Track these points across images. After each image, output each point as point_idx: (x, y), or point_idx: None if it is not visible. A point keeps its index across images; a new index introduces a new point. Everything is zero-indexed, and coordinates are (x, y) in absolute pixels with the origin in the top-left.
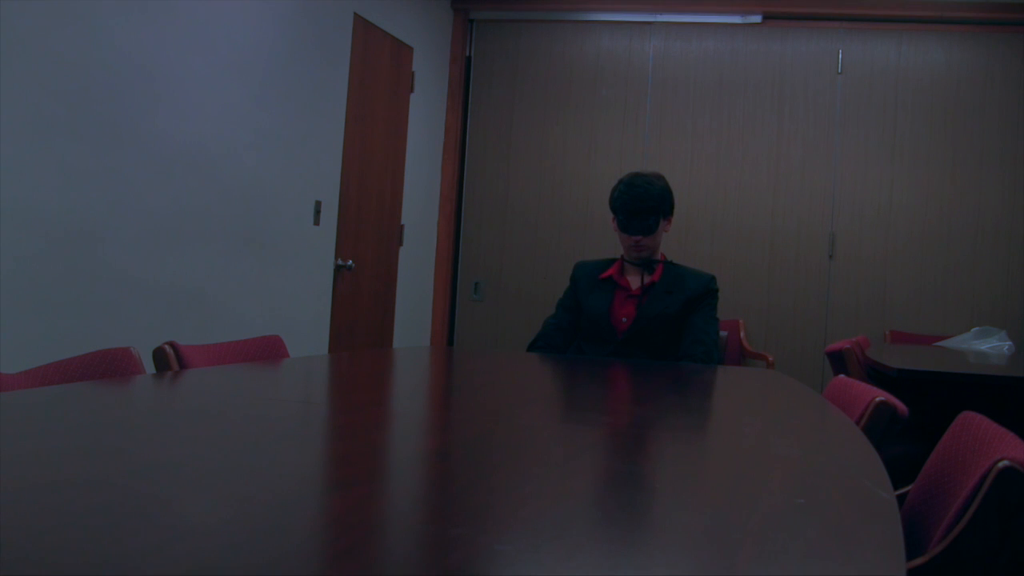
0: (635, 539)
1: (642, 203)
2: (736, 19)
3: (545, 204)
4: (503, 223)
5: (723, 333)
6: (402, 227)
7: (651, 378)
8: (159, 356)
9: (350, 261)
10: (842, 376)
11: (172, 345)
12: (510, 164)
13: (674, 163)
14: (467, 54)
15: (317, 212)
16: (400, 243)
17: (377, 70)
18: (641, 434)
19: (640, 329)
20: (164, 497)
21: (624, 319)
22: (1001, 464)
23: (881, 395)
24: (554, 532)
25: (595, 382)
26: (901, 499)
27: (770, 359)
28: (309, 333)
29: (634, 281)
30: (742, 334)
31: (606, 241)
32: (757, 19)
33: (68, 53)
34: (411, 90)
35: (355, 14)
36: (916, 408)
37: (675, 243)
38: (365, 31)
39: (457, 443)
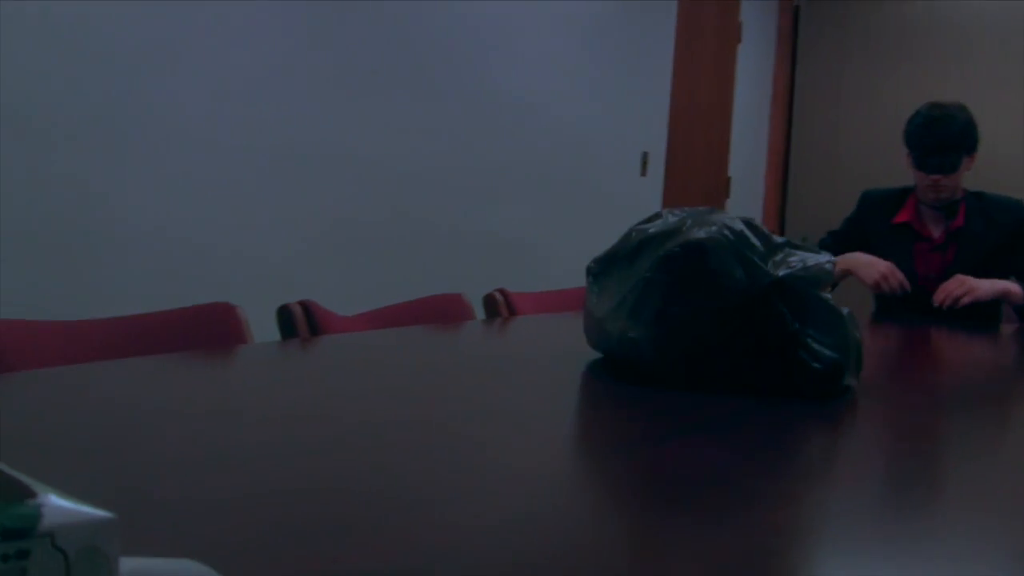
0: (920, 540)
1: (942, 139)
2: None
3: (877, 157)
4: (832, 176)
5: None
6: (729, 179)
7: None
8: (489, 302)
9: None
10: None
11: (502, 292)
12: (840, 116)
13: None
14: (795, 3)
15: (644, 163)
16: (727, 195)
17: (704, 20)
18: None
19: None
20: (489, 441)
21: (932, 276)
22: None
23: None
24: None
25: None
26: None
27: None
28: None
29: (935, 228)
30: None
31: None
32: None
33: (401, 8)
34: (739, 40)
35: None
36: None
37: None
38: None
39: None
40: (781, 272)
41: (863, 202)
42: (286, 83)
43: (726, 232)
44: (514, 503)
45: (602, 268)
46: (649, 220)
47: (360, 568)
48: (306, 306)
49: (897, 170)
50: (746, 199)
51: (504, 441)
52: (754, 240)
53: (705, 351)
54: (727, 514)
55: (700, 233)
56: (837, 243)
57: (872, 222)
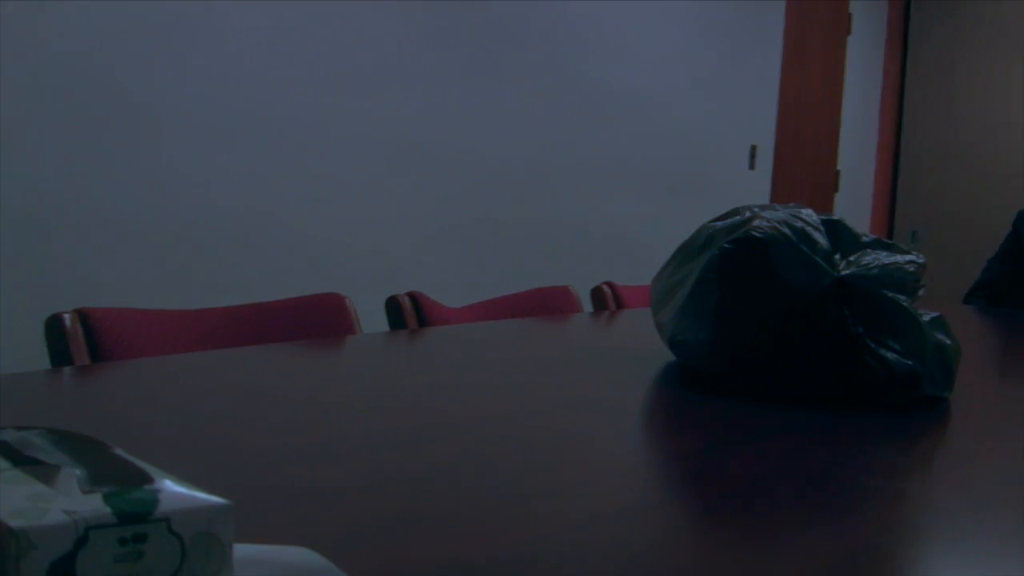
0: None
1: None
2: None
3: (989, 151)
4: (943, 172)
5: None
6: (838, 173)
7: None
8: (596, 295)
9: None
10: None
11: (610, 285)
12: (952, 110)
13: None
14: None
15: (752, 156)
16: (836, 189)
17: (814, 12)
18: None
19: None
20: (589, 434)
21: None
22: None
23: None
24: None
25: None
26: None
27: None
28: None
29: None
30: None
31: None
32: None
33: (514, 6)
34: (848, 33)
35: None
36: None
37: None
38: None
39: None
40: (847, 271)
41: (1019, 218)
42: (402, 79)
43: (785, 229)
44: (614, 496)
45: (667, 267)
46: (724, 216)
47: (463, 558)
48: (414, 297)
49: (1011, 166)
50: (855, 193)
51: (604, 435)
52: (817, 237)
53: (763, 356)
54: (834, 512)
55: (756, 229)
56: (1002, 263)
57: None
